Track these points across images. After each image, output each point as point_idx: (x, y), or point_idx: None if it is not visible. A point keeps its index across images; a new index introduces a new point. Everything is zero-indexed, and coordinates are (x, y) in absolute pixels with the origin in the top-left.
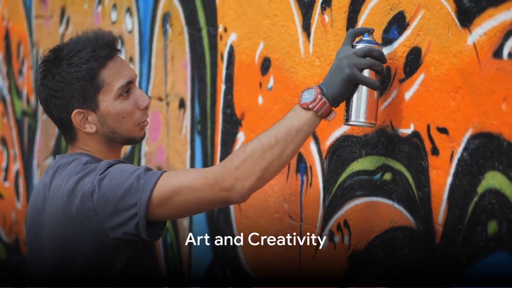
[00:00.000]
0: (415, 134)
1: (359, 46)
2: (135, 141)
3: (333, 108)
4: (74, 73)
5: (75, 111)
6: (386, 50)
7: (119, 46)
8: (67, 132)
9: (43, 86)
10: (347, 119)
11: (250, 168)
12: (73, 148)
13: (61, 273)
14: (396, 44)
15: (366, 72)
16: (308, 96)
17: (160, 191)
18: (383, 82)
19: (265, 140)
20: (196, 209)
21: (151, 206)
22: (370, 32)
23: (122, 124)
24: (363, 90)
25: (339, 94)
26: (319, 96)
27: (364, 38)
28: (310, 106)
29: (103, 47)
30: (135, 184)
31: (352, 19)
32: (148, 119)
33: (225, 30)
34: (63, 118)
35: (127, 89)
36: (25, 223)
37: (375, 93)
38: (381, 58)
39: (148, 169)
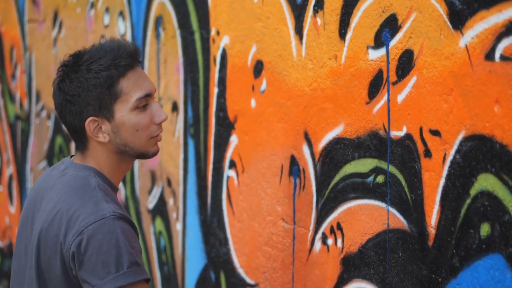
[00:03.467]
0: (408, 136)
1: None
2: (147, 156)
3: None
4: (92, 80)
5: (90, 118)
6: (378, 53)
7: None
8: (79, 140)
9: (60, 90)
10: None
11: None
12: (83, 158)
13: (38, 282)
14: (388, 46)
15: None
16: None
17: None
18: (376, 85)
19: None
20: None
21: None
22: None
23: (135, 137)
24: None
25: None
26: None
27: None
28: None
29: (125, 56)
30: (113, 268)
31: (344, 22)
32: (161, 133)
33: (218, 33)
34: (76, 124)
35: (144, 103)
36: (20, 218)
37: None
38: None
39: (135, 263)
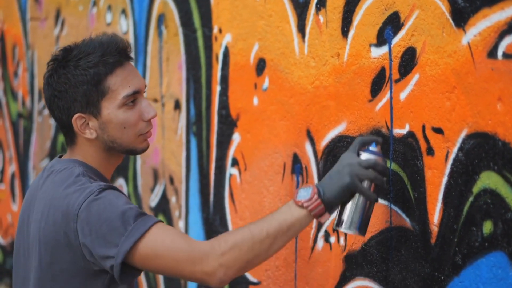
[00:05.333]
0: (410, 134)
1: (365, 156)
2: (136, 153)
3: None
4: (79, 76)
5: (77, 115)
6: (381, 51)
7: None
8: (68, 135)
9: (48, 85)
10: (338, 224)
11: (236, 258)
12: (71, 152)
13: (39, 283)
14: (390, 44)
15: (366, 182)
16: (304, 194)
17: (142, 247)
18: (378, 83)
19: (256, 232)
20: (170, 274)
21: (129, 255)
22: (378, 142)
23: (123, 134)
24: (360, 200)
25: (335, 199)
26: (315, 197)
27: (371, 149)
28: (305, 204)
29: (113, 53)
30: (122, 227)
31: (347, 19)
32: (151, 130)
33: (220, 31)
34: (64, 120)
35: (133, 99)
36: (17, 223)
37: (371, 205)
38: (383, 172)
39: (140, 214)
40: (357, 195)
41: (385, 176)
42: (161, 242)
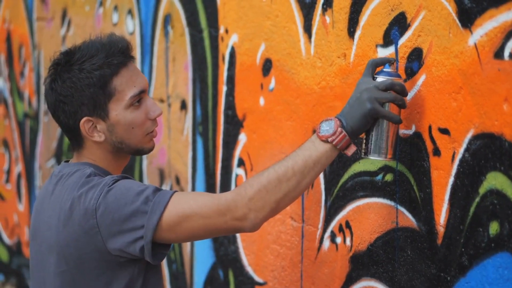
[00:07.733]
0: (417, 134)
1: (380, 78)
2: (143, 152)
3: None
4: (85, 79)
5: (84, 118)
6: (387, 51)
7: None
8: (74, 139)
9: (52, 90)
10: (365, 153)
11: (265, 199)
12: (78, 156)
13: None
14: (397, 45)
15: (386, 105)
16: (327, 128)
17: (168, 216)
18: None
19: (281, 170)
20: (205, 235)
21: (158, 230)
22: (391, 62)
23: (131, 135)
24: (383, 124)
25: (359, 128)
26: (339, 129)
27: (385, 70)
28: (330, 139)
29: (117, 54)
30: (142, 206)
31: (353, 20)
32: (156, 128)
33: (227, 31)
34: (70, 124)
35: (138, 99)
36: (30, 232)
37: (395, 126)
38: (402, 91)
39: (157, 190)
40: (380, 119)
41: (404, 95)
42: (185, 205)
